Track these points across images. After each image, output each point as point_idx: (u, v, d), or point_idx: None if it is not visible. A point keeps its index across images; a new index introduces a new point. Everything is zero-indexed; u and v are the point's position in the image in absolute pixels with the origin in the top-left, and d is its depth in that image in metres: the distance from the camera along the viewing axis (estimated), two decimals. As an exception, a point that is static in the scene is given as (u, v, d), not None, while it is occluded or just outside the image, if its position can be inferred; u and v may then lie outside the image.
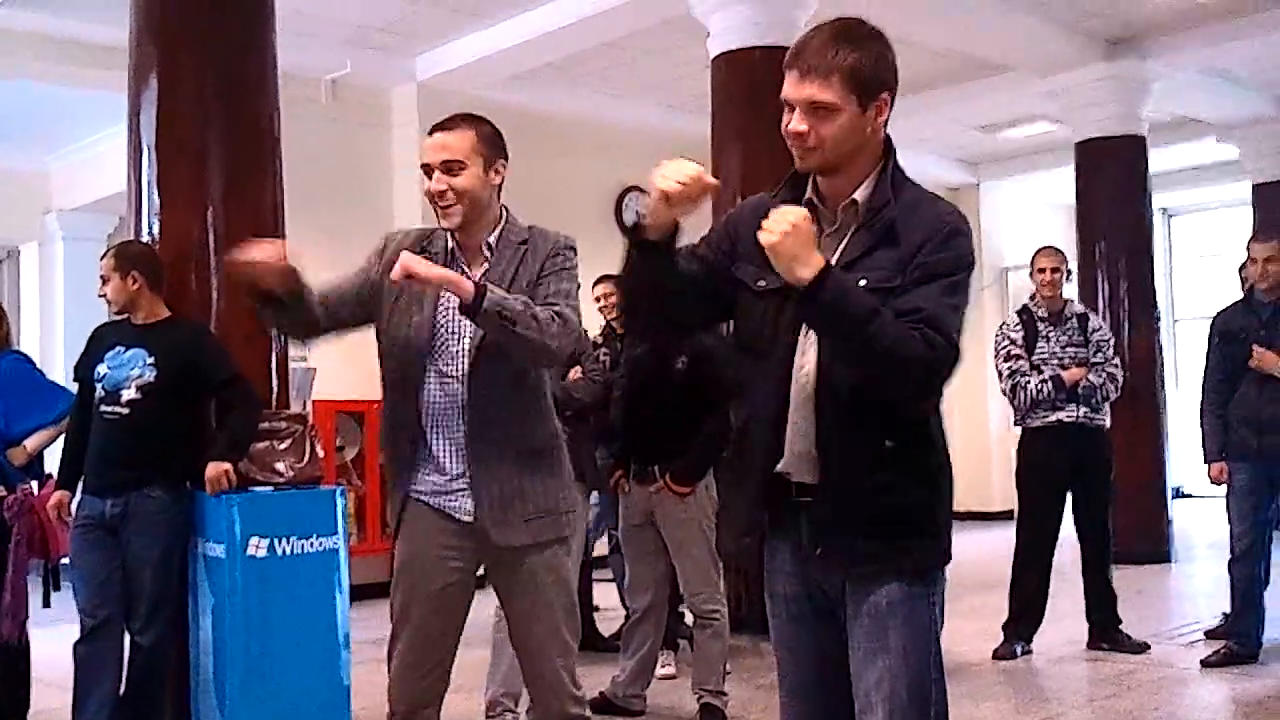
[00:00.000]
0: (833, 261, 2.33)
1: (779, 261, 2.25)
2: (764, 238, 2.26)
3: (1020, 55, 10.03)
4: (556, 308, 3.07)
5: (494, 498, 3.13)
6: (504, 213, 3.25)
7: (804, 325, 2.38)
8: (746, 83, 7.64)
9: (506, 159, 3.23)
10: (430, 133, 3.17)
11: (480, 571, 3.30)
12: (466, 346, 3.12)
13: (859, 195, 2.41)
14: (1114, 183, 10.19)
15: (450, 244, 3.22)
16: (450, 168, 3.11)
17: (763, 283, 2.42)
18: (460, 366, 3.12)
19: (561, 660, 3.21)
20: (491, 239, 3.20)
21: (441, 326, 3.15)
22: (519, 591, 3.22)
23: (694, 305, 2.57)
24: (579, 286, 3.24)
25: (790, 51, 2.39)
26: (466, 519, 3.16)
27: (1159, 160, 11.16)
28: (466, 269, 3.16)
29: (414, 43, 9.34)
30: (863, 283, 2.32)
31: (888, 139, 2.45)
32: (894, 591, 2.40)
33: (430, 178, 3.13)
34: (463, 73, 9.42)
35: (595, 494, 6.28)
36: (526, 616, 3.22)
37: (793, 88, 2.37)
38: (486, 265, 3.18)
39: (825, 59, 2.32)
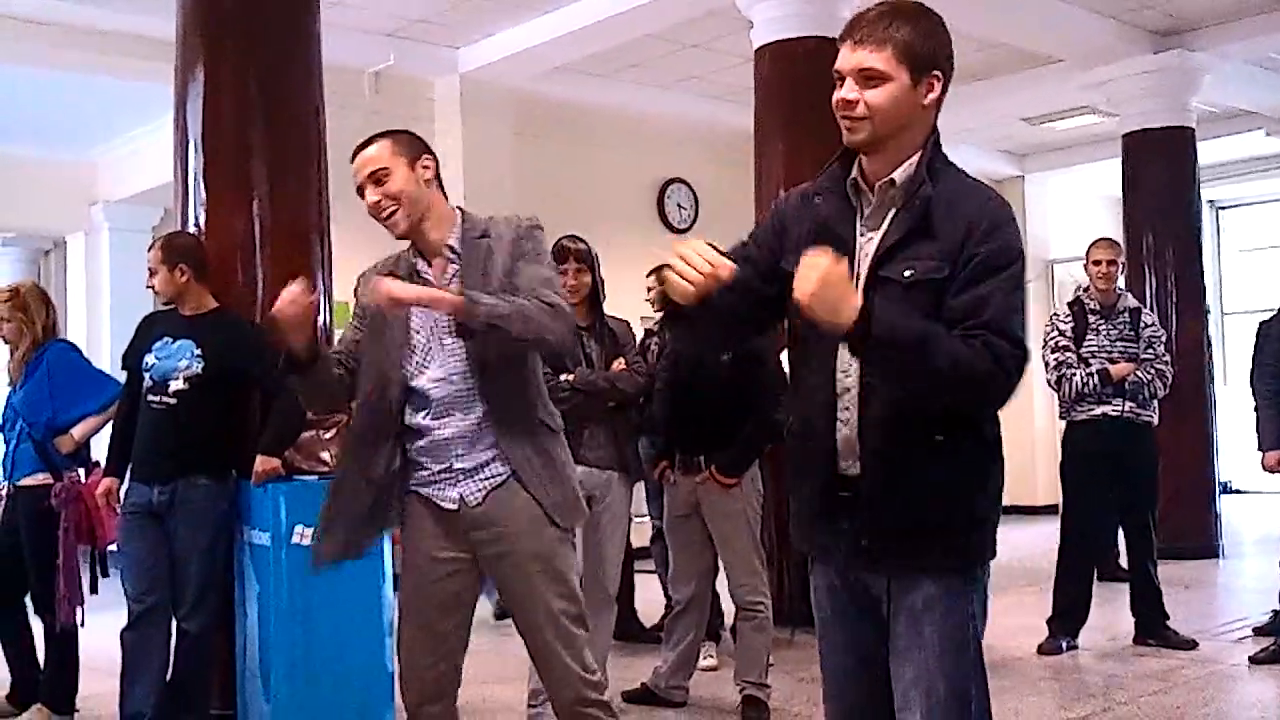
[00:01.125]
0: (875, 246, 2.35)
1: (819, 316, 2.19)
2: (798, 296, 2.18)
3: (1067, 46, 9.94)
4: (544, 297, 3.08)
5: (539, 476, 3.16)
6: (459, 213, 3.28)
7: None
8: (790, 75, 7.62)
9: (432, 155, 3.26)
10: (351, 159, 3.22)
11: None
12: (457, 348, 3.14)
13: (898, 175, 2.39)
14: (1161, 175, 10.07)
15: (413, 260, 3.24)
16: (377, 177, 3.15)
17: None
18: (457, 361, 3.13)
19: (565, 648, 3.20)
20: (452, 240, 3.22)
21: (421, 337, 3.17)
22: (512, 580, 3.22)
23: (745, 323, 2.58)
24: (554, 269, 3.31)
25: (845, 26, 2.41)
26: (451, 507, 3.18)
27: (1207, 153, 11.02)
28: (434, 281, 3.18)
29: (457, 35, 9.35)
30: (908, 273, 2.31)
31: (936, 134, 2.43)
32: (932, 589, 2.39)
33: (364, 195, 3.18)
34: (505, 65, 9.43)
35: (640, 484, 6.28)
36: (521, 608, 3.23)
37: (845, 57, 2.38)
38: (454, 269, 3.19)
39: (879, 29, 2.34)
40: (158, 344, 4.82)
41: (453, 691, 3.29)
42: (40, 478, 5.13)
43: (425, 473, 3.20)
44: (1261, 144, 12.83)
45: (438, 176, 3.26)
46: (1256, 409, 6.15)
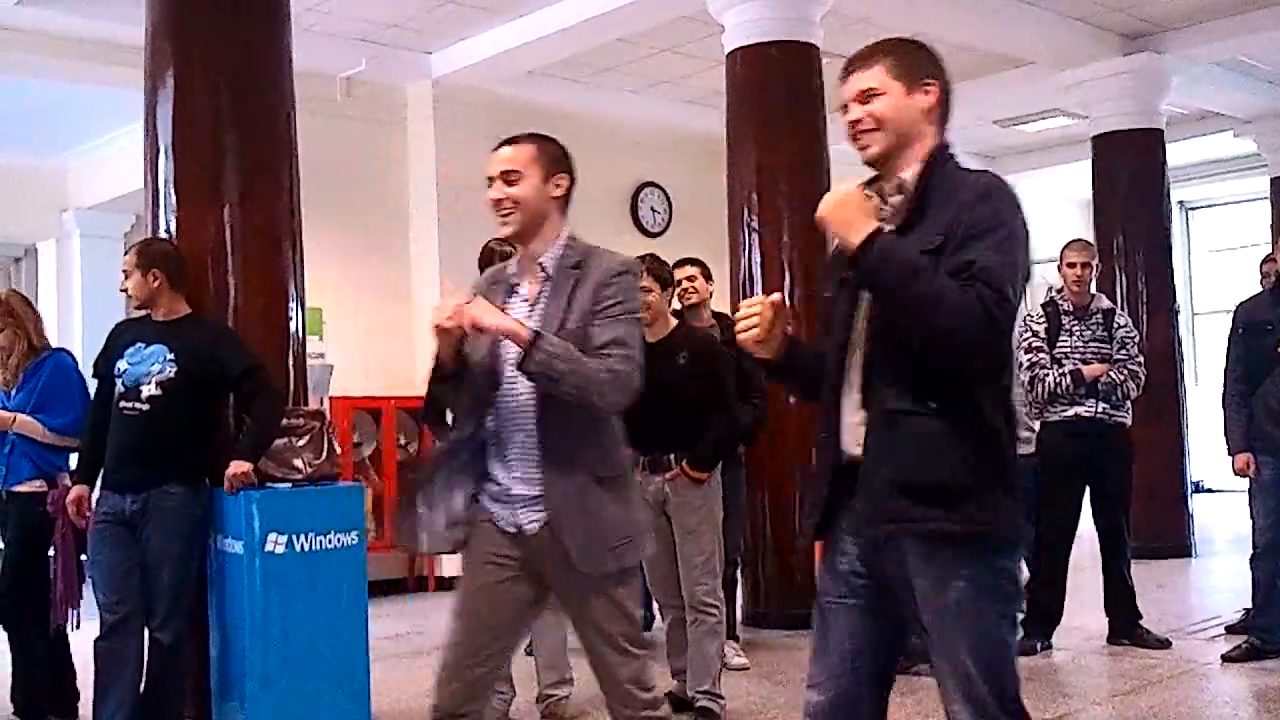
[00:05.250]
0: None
1: (833, 231, 2.47)
2: (818, 213, 2.47)
3: (1037, 49, 10.00)
4: (609, 360, 3.10)
5: (572, 521, 3.15)
6: (567, 236, 3.30)
7: (857, 315, 2.56)
8: (762, 79, 7.65)
9: (571, 176, 3.29)
10: (496, 148, 3.28)
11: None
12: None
13: (907, 175, 2.59)
14: (1131, 177, 10.14)
15: (512, 272, 3.31)
16: (508, 177, 3.21)
17: (828, 291, 2.65)
18: (529, 385, 3.14)
19: (620, 667, 3.23)
20: (547, 260, 3.25)
21: (505, 350, 3.20)
22: (571, 605, 3.27)
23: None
24: (639, 317, 3.29)
25: (841, 69, 2.67)
26: (510, 530, 3.20)
27: (1177, 154, 11.10)
28: (528, 297, 3.25)
29: (429, 40, 9.34)
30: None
31: (945, 141, 2.65)
32: (963, 584, 2.46)
33: (490, 186, 3.24)
34: (478, 69, 9.42)
35: None
36: (583, 630, 3.26)
37: (845, 89, 2.63)
38: (542, 290, 3.23)
39: (868, 55, 2.62)
40: (129, 350, 4.79)
41: (485, 698, 3.30)
42: (36, 484, 5.10)
43: (496, 488, 3.22)
44: (1230, 145, 12.94)
45: (567, 197, 3.30)
46: (1225, 411, 6.19)
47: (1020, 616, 2.59)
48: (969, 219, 2.45)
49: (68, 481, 5.11)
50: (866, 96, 2.58)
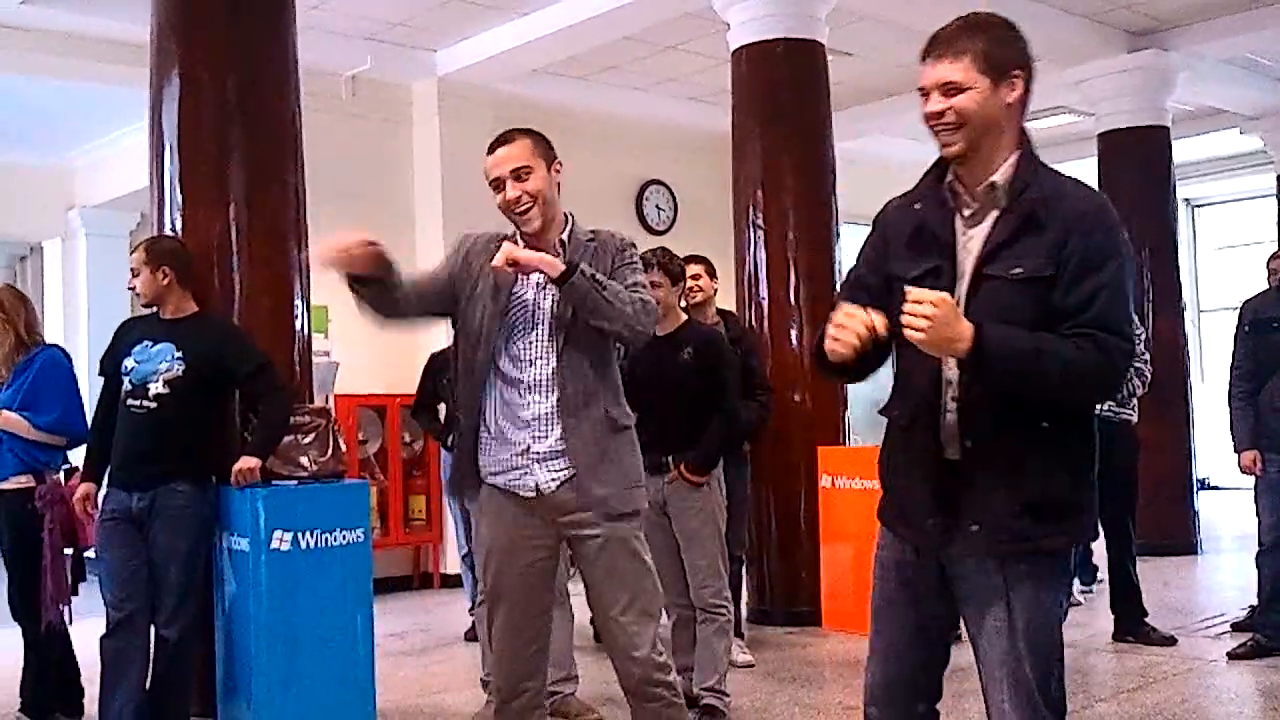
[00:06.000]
0: (981, 245, 2.46)
1: (937, 351, 2.37)
2: (911, 335, 2.33)
3: (1043, 46, 9.95)
4: (639, 294, 3.30)
5: (592, 465, 3.32)
6: (569, 216, 3.47)
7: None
8: (767, 76, 7.64)
9: (560, 162, 3.45)
10: (490, 150, 3.39)
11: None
12: (545, 333, 3.33)
13: (998, 178, 2.50)
14: (1137, 174, 10.12)
15: (523, 244, 3.39)
16: (519, 174, 3.33)
17: (915, 271, 2.51)
18: (542, 345, 3.33)
19: (635, 628, 3.35)
20: (564, 236, 3.41)
21: (515, 314, 3.37)
22: (591, 560, 3.38)
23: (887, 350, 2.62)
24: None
25: (925, 44, 2.54)
26: (529, 495, 3.35)
27: (1183, 151, 11.09)
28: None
29: (434, 38, 9.34)
30: (1017, 270, 2.41)
31: (1026, 133, 2.55)
32: (1025, 574, 2.49)
33: (504, 189, 3.35)
34: (483, 68, 9.42)
35: None
36: (598, 586, 3.38)
37: (927, 74, 2.51)
38: (562, 257, 3.35)
39: (956, 43, 2.48)
40: (137, 348, 4.80)
41: (544, 669, 3.47)
42: (23, 480, 5.08)
43: (504, 456, 3.36)
44: (1236, 142, 12.91)
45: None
46: (1231, 408, 6.18)
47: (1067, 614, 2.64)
48: (1083, 248, 2.40)
49: (58, 477, 5.12)
50: (950, 89, 2.46)
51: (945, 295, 2.34)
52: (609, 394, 3.40)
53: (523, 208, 3.34)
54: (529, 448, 3.33)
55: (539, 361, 3.33)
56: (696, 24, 8.74)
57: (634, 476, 3.43)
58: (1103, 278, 2.39)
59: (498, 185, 3.36)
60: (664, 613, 5.66)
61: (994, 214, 2.49)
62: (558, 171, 3.42)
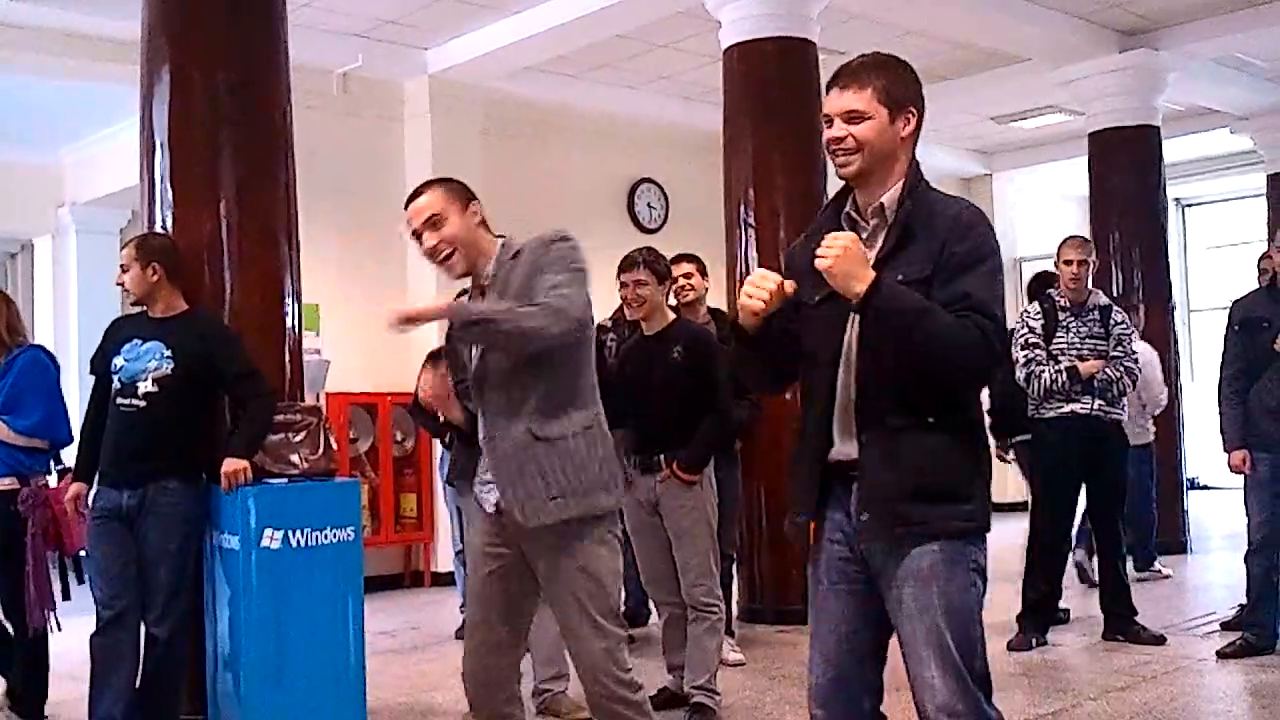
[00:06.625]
0: (872, 259, 2.66)
1: (835, 281, 2.59)
2: (820, 263, 2.59)
3: (1034, 45, 9.99)
4: (555, 294, 3.27)
5: (510, 481, 3.34)
6: (499, 243, 3.47)
7: (848, 326, 2.70)
8: (759, 74, 7.65)
9: (477, 200, 3.46)
10: (405, 205, 3.44)
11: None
12: (473, 354, 3.43)
13: (885, 200, 2.75)
14: (1128, 173, 10.15)
15: (466, 287, 3.55)
16: (433, 222, 3.37)
17: (819, 295, 2.72)
18: (483, 367, 3.41)
19: (600, 642, 3.34)
20: (490, 269, 3.43)
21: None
22: (544, 576, 3.40)
23: (793, 350, 2.87)
24: (580, 269, 3.38)
25: (833, 74, 2.78)
26: (490, 510, 3.43)
27: (1173, 150, 11.11)
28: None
29: (425, 35, 9.33)
30: (899, 278, 2.63)
31: (915, 162, 2.79)
32: (936, 554, 2.66)
33: (421, 240, 3.39)
34: (474, 65, 9.41)
35: None
36: (554, 600, 3.42)
37: (832, 101, 2.75)
38: (491, 285, 3.43)
39: (861, 76, 2.73)
40: (126, 346, 4.79)
41: (513, 680, 3.49)
42: (5, 483, 5.07)
43: (482, 469, 3.47)
44: (1226, 141, 12.94)
45: (483, 218, 3.47)
46: (1220, 407, 6.19)
47: (984, 599, 2.75)
48: (959, 251, 2.64)
49: (44, 481, 5.10)
50: (852, 117, 2.70)
51: (856, 237, 2.65)
52: (536, 409, 3.33)
53: (441, 256, 3.38)
54: (486, 472, 3.46)
55: (484, 383, 3.42)
56: (688, 22, 8.75)
57: (557, 487, 3.32)
58: (976, 274, 2.65)
59: (417, 236, 3.41)
60: (655, 611, 5.69)
61: (883, 233, 2.73)
62: (474, 212, 3.42)
